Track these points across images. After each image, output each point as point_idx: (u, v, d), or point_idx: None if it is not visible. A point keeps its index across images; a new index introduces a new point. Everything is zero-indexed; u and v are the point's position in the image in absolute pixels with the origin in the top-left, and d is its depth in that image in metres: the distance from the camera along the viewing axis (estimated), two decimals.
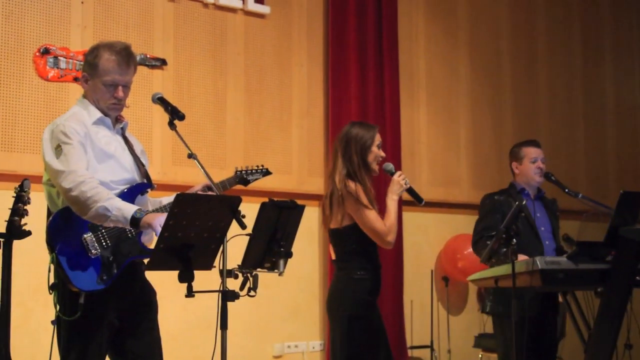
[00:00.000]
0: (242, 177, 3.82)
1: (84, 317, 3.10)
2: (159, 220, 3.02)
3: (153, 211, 3.23)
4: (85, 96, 3.37)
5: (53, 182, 3.18)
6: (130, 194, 3.28)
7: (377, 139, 4.14)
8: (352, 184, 4.01)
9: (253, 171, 3.88)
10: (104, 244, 3.17)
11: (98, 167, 3.23)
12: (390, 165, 4.19)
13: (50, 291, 3.15)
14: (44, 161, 3.24)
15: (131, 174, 3.36)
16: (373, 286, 4.03)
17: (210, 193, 3.45)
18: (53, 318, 3.18)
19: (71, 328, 3.15)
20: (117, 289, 3.19)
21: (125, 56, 3.31)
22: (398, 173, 4.14)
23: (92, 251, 3.14)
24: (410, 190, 4.14)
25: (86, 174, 3.12)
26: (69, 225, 3.16)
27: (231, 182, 3.74)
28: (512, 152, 4.93)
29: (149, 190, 3.41)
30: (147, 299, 3.38)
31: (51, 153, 3.19)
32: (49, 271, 3.13)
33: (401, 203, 6.29)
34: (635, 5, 8.71)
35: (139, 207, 3.12)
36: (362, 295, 3.97)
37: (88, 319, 3.13)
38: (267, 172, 3.95)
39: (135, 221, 3.06)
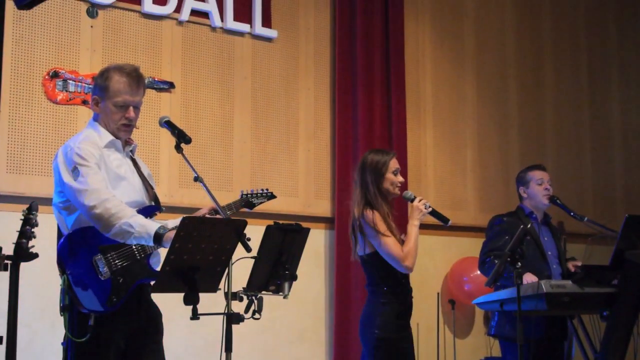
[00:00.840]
0: (247, 201, 3.85)
1: (92, 339, 3.13)
2: None
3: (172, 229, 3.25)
4: (95, 119, 3.41)
5: (73, 202, 3.22)
6: None
7: (392, 165, 4.20)
8: (369, 213, 4.08)
9: (258, 194, 3.91)
10: (113, 266, 3.20)
11: (112, 190, 3.27)
12: (409, 193, 4.23)
13: (61, 313, 3.17)
14: (59, 183, 3.27)
15: (140, 197, 3.39)
16: (401, 310, 4.08)
17: (216, 216, 3.47)
18: (60, 340, 3.20)
19: (79, 351, 3.17)
20: (124, 312, 3.21)
21: (135, 77, 3.37)
22: (418, 199, 4.17)
23: (102, 273, 3.17)
24: (433, 213, 4.18)
25: (109, 192, 3.17)
26: (79, 247, 3.20)
27: (237, 205, 3.76)
28: (518, 177, 4.98)
29: (157, 213, 3.44)
30: (153, 322, 3.39)
31: (68, 175, 3.22)
32: (61, 293, 3.16)
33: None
34: None
35: (161, 224, 3.17)
36: (389, 318, 4.03)
37: (96, 342, 3.15)
38: (271, 196, 3.99)
39: (158, 237, 3.10)
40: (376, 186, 4.14)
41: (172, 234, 3.07)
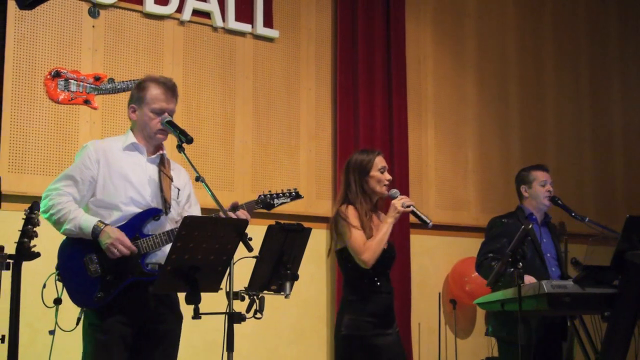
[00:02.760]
0: (264, 202, 3.69)
1: (95, 335, 3.29)
2: (113, 246, 3.26)
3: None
4: (131, 128, 3.60)
5: None
6: (139, 218, 3.40)
7: (378, 162, 4.11)
8: (344, 207, 4.05)
9: (279, 195, 3.73)
10: (105, 264, 3.30)
11: (111, 188, 3.42)
12: (393, 190, 4.11)
13: (53, 304, 3.31)
14: None
15: (145, 200, 3.45)
16: (372, 308, 3.96)
17: (221, 215, 3.47)
18: (62, 339, 3.24)
19: (87, 346, 3.33)
20: (127, 306, 3.31)
21: (170, 87, 3.59)
22: (399, 197, 4.04)
23: (92, 271, 3.30)
24: (414, 213, 4.05)
25: (55, 195, 3.38)
26: (76, 244, 3.35)
27: (250, 206, 3.63)
28: (519, 176, 4.95)
29: (159, 215, 3.46)
30: (164, 313, 3.46)
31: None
32: (55, 285, 3.33)
33: (408, 226, 6.32)
34: None
35: (98, 222, 3.31)
36: (357, 316, 3.94)
37: (98, 337, 3.29)
38: (296, 196, 3.78)
39: (95, 236, 3.30)
40: (360, 185, 4.08)
41: (102, 242, 3.26)
